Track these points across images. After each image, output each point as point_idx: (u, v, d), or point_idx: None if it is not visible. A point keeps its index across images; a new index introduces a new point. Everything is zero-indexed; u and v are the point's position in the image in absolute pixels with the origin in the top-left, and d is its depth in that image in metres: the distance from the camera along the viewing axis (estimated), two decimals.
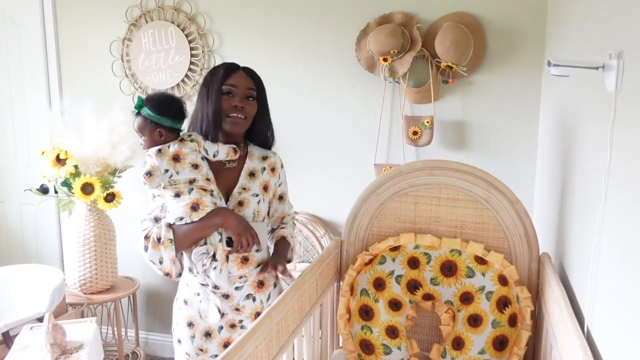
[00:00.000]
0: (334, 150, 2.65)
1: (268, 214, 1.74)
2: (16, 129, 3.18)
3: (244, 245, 1.55)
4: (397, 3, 2.46)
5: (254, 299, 1.64)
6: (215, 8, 2.72)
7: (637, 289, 0.95)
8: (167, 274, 1.58)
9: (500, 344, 1.66)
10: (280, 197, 1.77)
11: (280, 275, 1.63)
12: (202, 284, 1.60)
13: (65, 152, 2.47)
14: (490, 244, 1.76)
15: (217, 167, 1.62)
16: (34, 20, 2.99)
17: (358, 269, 1.83)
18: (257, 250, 1.63)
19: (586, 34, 1.49)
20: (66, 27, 2.98)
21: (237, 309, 1.63)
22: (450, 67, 2.33)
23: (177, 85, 2.82)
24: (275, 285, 1.72)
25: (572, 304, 1.35)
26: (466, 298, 1.72)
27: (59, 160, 2.48)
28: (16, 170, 3.22)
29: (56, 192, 2.63)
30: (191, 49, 2.77)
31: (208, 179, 1.57)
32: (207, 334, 1.64)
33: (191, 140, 1.56)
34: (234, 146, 1.62)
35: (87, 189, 2.47)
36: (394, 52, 2.36)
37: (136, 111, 1.56)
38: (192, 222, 1.52)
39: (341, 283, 1.89)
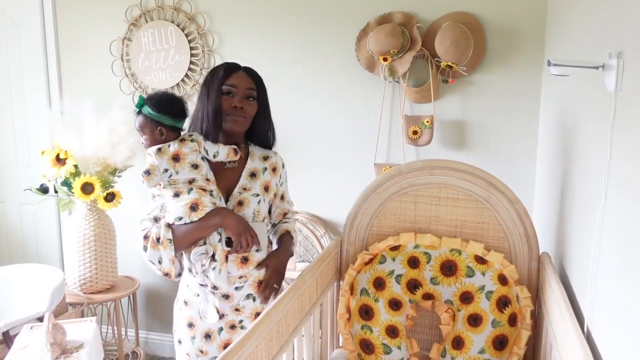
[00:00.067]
0: (334, 149, 2.65)
1: (269, 213, 1.74)
2: (16, 129, 3.18)
3: (244, 246, 1.54)
4: (397, 3, 2.46)
5: (254, 299, 1.64)
6: (215, 8, 2.72)
7: (637, 288, 0.95)
8: (167, 274, 1.58)
9: (500, 343, 1.66)
10: (282, 197, 1.77)
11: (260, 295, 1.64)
12: (201, 284, 1.60)
13: (65, 151, 2.47)
14: (490, 243, 1.76)
15: (217, 167, 1.62)
16: (33, 20, 2.99)
17: (358, 269, 1.83)
18: (257, 251, 1.63)
19: (586, 33, 1.49)
20: (66, 27, 2.98)
21: (237, 309, 1.63)
22: (450, 67, 2.33)
23: (177, 84, 2.82)
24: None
25: (572, 303, 1.35)
26: (466, 297, 1.72)
27: (59, 160, 2.48)
28: (16, 169, 3.22)
29: (56, 191, 2.63)
30: (191, 48, 2.77)
31: (208, 179, 1.56)
32: (207, 336, 1.64)
33: (192, 140, 1.56)
34: (235, 147, 1.62)
35: (87, 188, 2.47)
36: (393, 51, 2.36)
37: (137, 110, 1.56)
38: (192, 222, 1.52)
39: (341, 282, 1.89)
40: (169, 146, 1.54)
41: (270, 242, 1.75)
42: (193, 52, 2.77)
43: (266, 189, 1.68)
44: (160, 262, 1.55)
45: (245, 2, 2.67)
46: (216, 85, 1.58)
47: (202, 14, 2.74)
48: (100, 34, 2.91)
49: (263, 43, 2.67)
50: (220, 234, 1.54)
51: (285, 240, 1.73)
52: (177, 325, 1.69)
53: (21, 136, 3.17)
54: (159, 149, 1.54)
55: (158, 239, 1.53)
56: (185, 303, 1.66)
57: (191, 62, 2.78)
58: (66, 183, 2.54)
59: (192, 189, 1.53)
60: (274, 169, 1.71)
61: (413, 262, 1.79)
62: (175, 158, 1.53)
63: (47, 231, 3.22)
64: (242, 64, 1.66)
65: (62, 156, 2.47)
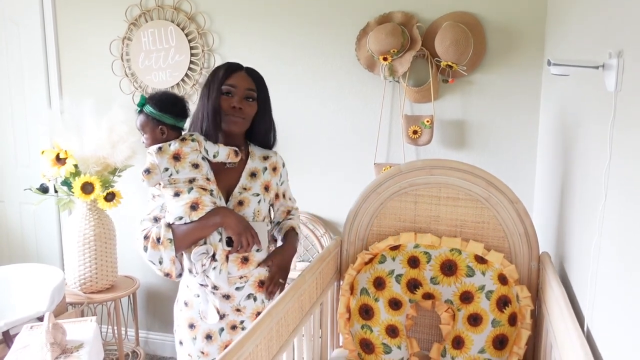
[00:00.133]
0: (334, 149, 2.65)
1: (269, 213, 1.74)
2: (16, 129, 3.18)
3: (244, 245, 1.54)
4: (397, 2, 2.46)
5: (255, 299, 1.64)
6: (215, 7, 2.72)
7: (637, 288, 0.95)
8: (167, 275, 1.57)
9: (500, 343, 1.66)
10: (284, 195, 1.77)
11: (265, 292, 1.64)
12: (201, 284, 1.60)
13: (65, 151, 2.47)
14: (490, 243, 1.76)
15: (217, 167, 1.62)
16: (33, 20, 2.99)
17: (358, 268, 1.83)
18: (258, 250, 1.63)
19: (586, 33, 1.49)
20: (66, 27, 2.98)
21: (238, 310, 1.63)
22: (450, 67, 2.33)
23: (177, 84, 2.82)
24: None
25: (572, 303, 1.35)
26: (466, 297, 1.72)
27: (59, 160, 2.48)
28: (16, 169, 3.22)
29: (56, 191, 2.63)
30: (191, 48, 2.77)
31: (208, 179, 1.56)
32: (208, 336, 1.63)
33: (192, 140, 1.56)
34: (235, 149, 1.61)
35: (87, 188, 2.47)
36: (393, 51, 2.36)
37: (139, 109, 1.56)
38: (192, 222, 1.51)
39: (341, 282, 1.89)
40: (169, 145, 1.54)
41: (275, 240, 1.75)
42: (193, 51, 2.77)
43: (266, 188, 1.68)
44: (160, 263, 1.54)
45: (245, 1, 2.67)
46: (216, 85, 1.58)
47: (202, 14, 2.74)
48: (100, 33, 2.91)
49: (263, 43, 2.67)
50: (221, 234, 1.54)
51: (290, 237, 1.72)
52: (178, 327, 1.69)
53: (21, 136, 3.17)
54: (160, 148, 1.54)
55: (158, 239, 1.53)
56: (186, 304, 1.66)
57: (191, 62, 2.78)
58: (66, 183, 2.54)
59: (192, 188, 1.53)
60: (274, 169, 1.71)
61: (413, 262, 1.79)
62: (176, 157, 1.53)
63: (47, 231, 3.22)
64: (243, 64, 1.66)
65: (62, 156, 2.47)
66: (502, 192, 1.72)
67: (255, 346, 1.25)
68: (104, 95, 2.85)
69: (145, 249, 1.54)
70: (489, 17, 2.37)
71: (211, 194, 1.55)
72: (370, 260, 1.84)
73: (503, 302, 1.67)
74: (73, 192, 2.49)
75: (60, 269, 2.73)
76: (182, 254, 1.59)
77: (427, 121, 2.39)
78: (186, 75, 2.80)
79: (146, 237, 1.56)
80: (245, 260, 1.61)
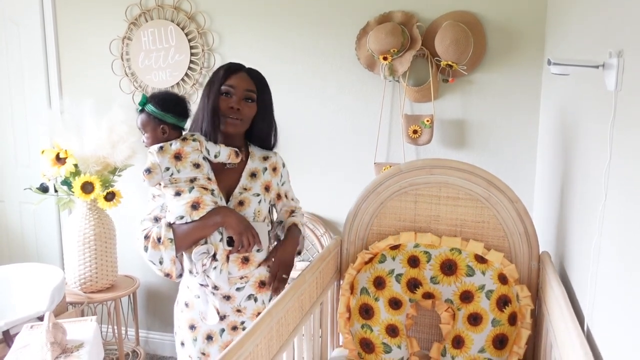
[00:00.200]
0: (334, 149, 2.65)
1: (271, 212, 1.73)
2: (16, 129, 3.18)
3: (245, 245, 1.54)
4: (397, 2, 2.45)
5: (255, 300, 1.64)
6: (215, 7, 2.72)
7: (637, 288, 0.95)
8: (167, 275, 1.56)
9: (500, 342, 1.66)
10: (286, 195, 1.76)
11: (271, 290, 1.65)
12: (202, 285, 1.60)
13: (65, 151, 2.47)
14: (490, 242, 1.76)
15: (217, 167, 1.62)
16: (33, 20, 2.99)
17: (358, 268, 1.83)
18: (258, 251, 1.63)
19: (586, 32, 1.49)
20: (66, 26, 2.97)
21: (238, 310, 1.63)
22: (450, 66, 2.33)
23: (177, 84, 2.82)
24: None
25: (572, 302, 1.35)
26: (466, 297, 1.72)
27: (59, 159, 2.48)
28: (16, 169, 3.22)
29: (56, 191, 2.63)
30: (191, 47, 2.77)
31: (209, 179, 1.56)
32: (209, 337, 1.63)
33: (194, 140, 1.56)
34: (236, 149, 1.61)
35: (87, 187, 2.47)
36: (393, 50, 2.36)
37: (140, 108, 1.56)
38: (193, 221, 1.51)
39: (341, 282, 1.89)
40: (170, 145, 1.54)
41: (278, 239, 1.74)
42: (193, 51, 2.77)
43: (267, 188, 1.68)
44: (161, 263, 1.54)
45: (246, 1, 2.67)
46: (216, 86, 1.58)
47: (202, 13, 2.74)
48: (100, 33, 2.91)
49: (263, 42, 2.67)
50: (222, 234, 1.54)
51: (292, 231, 1.71)
52: (179, 328, 1.69)
53: (21, 136, 3.17)
54: (161, 147, 1.53)
55: (159, 239, 1.52)
56: (186, 305, 1.66)
57: (191, 62, 2.78)
58: (66, 182, 2.54)
59: (193, 187, 1.53)
60: (274, 169, 1.71)
61: (413, 262, 1.79)
62: (177, 157, 1.53)
63: (47, 230, 3.22)
64: (244, 64, 1.65)
65: (62, 155, 2.47)
66: (502, 192, 1.72)
67: (256, 346, 1.25)
68: (104, 95, 2.85)
69: (146, 249, 1.54)
70: (489, 16, 2.37)
71: (212, 194, 1.54)
72: (371, 260, 1.84)
73: (503, 302, 1.67)
74: (73, 192, 2.49)
75: (60, 269, 2.72)
76: (182, 254, 1.58)
77: (427, 121, 2.39)
78: (186, 74, 2.80)
79: (146, 237, 1.55)
80: (245, 260, 1.60)
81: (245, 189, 1.63)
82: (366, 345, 1.77)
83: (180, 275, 1.62)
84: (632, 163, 1.01)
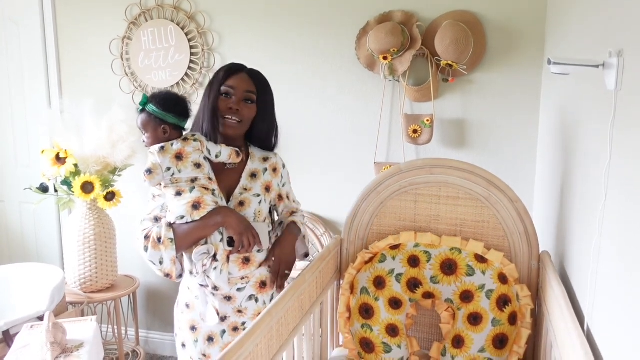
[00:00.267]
0: (334, 148, 2.65)
1: (270, 213, 1.73)
2: (16, 128, 3.18)
3: (245, 245, 1.54)
4: (397, 1, 2.45)
5: (256, 300, 1.64)
6: (215, 6, 2.72)
7: (637, 288, 0.95)
8: (167, 275, 1.56)
9: (500, 342, 1.66)
10: (287, 197, 1.76)
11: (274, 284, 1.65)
12: (202, 285, 1.59)
13: (65, 150, 2.47)
14: (490, 242, 1.76)
15: (218, 168, 1.62)
16: (33, 19, 2.98)
17: (358, 268, 1.83)
18: (259, 251, 1.62)
19: (586, 32, 1.48)
20: (66, 26, 2.97)
21: (239, 311, 1.62)
22: (450, 66, 2.33)
23: (177, 83, 2.82)
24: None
25: (572, 302, 1.35)
26: (466, 296, 1.72)
27: (59, 159, 2.48)
28: (16, 169, 3.22)
29: (56, 190, 2.63)
30: (191, 47, 2.77)
31: (210, 179, 1.56)
32: (210, 339, 1.63)
33: (194, 140, 1.56)
34: (237, 149, 1.61)
35: (87, 187, 2.47)
36: (393, 50, 2.36)
37: (141, 107, 1.55)
38: (193, 221, 1.51)
39: (341, 281, 1.89)
40: (171, 145, 1.54)
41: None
42: (193, 51, 2.77)
43: (267, 189, 1.67)
44: (161, 263, 1.53)
45: (246, 1, 2.67)
46: (216, 86, 1.58)
47: (202, 13, 2.74)
48: (100, 32, 2.91)
49: (263, 42, 2.67)
50: (222, 234, 1.54)
51: (289, 228, 1.71)
52: (180, 329, 1.69)
53: (21, 136, 3.17)
54: (162, 147, 1.53)
55: (159, 239, 1.52)
56: (187, 306, 1.65)
57: (191, 61, 2.78)
58: (66, 182, 2.54)
59: (194, 187, 1.52)
60: (274, 170, 1.71)
61: (413, 261, 1.79)
62: (178, 157, 1.53)
63: (47, 230, 3.22)
64: (244, 64, 1.65)
65: (62, 155, 2.47)
66: (502, 191, 1.72)
67: (256, 345, 1.25)
68: (104, 95, 2.85)
69: (146, 249, 1.54)
70: (489, 16, 2.36)
71: (213, 194, 1.54)
72: (371, 260, 1.84)
73: (503, 301, 1.67)
74: (73, 192, 2.49)
75: (61, 269, 2.73)
76: (182, 254, 1.58)
77: (427, 120, 2.39)
78: (186, 74, 2.80)
79: (147, 237, 1.55)
80: (246, 260, 1.60)
81: (245, 189, 1.63)
82: (366, 345, 1.77)
83: (180, 276, 1.61)
84: (632, 163, 1.01)
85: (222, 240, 1.54)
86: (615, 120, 1.13)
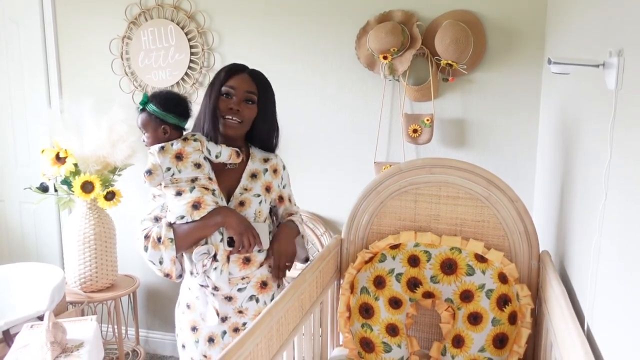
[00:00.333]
0: (334, 148, 2.65)
1: (270, 214, 1.73)
2: (16, 128, 3.18)
3: (246, 246, 1.53)
4: (397, 1, 2.45)
5: (257, 300, 1.64)
6: (214, 6, 2.72)
7: (637, 288, 0.95)
8: (167, 275, 1.56)
9: (500, 341, 1.66)
10: (289, 200, 1.76)
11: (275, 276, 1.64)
12: (202, 285, 1.59)
13: (65, 150, 2.47)
14: (490, 241, 1.76)
15: (218, 168, 1.62)
16: (33, 19, 2.98)
17: (358, 267, 1.83)
18: (259, 251, 1.62)
19: (586, 31, 1.48)
20: (65, 26, 2.97)
21: (240, 312, 1.62)
22: (450, 65, 2.33)
23: (177, 83, 2.82)
24: (278, 286, 1.71)
25: (572, 302, 1.35)
26: (466, 296, 1.72)
27: (59, 159, 2.48)
28: (16, 169, 3.22)
29: (56, 190, 2.63)
30: (191, 47, 2.77)
31: (210, 179, 1.56)
32: (211, 340, 1.63)
33: (194, 140, 1.56)
34: (237, 150, 1.61)
35: (87, 187, 2.47)
36: (393, 50, 2.36)
37: (141, 107, 1.55)
38: (193, 221, 1.51)
39: (341, 281, 1.89)
40: (172, 145, 1.54)
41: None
42: (193, 50, 2.77)
43: (268, 189, 1.67)
44: (161, 263, 1.53)
45: (245, 0, 2.67)
46: (216, 86, 1.58)
47: (201, 13, 2.74)
48: (99, 32, 2.91)
49: (263, 41, 2.67)
50: (222, 234, 1.54)
51: (286, 222, 1.70)
52: (180, 330, 1.69)
53: (21, 135, 3.17)
54: (162, 148, 1.53)
55: (159, 239, 1.52)
56: (188, 307, 1.65)
57: (191, 61, 2.78)
58: (66, 182, 2.54)
59: (194, 187, 1.52)
60: (274, 171, 1.71)
61: (413, 261, 1.79)
62: (178, 157, 1.53)
63: (47, 230, 3.22)
64: (244, 63, 1.65)
65: (62, 155, 2.47)
66: (502, 191, 1.72)
67: (256, 345, 1.25)
68: (104, 94, 2.85)
69: (146, 248, 1.54)
70: (489, 15, 2.36)
71: (213, 194, 1.54)
72: (371, 259, 1.84)
73: (503, 301, 1.67)
74: (73, 191, 2.49)
75: (61, 268, 2.73)
76: (182, 255, 1.58)
77: (427, 120, 2.39)
78: (186, 74, 2.79)
79: (147, 237, 1.55)
80: (247, 260, 1.60)
81: (245, 190, 1.63)
82: (366, 345, 1.77)
83: (180, 276, 1.61)
84: (632, 162, 1.01)
85: (222, 240, 1.54)
86: (615, 120, 1.13)
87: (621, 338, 1.03)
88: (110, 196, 2.53)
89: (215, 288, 1.57)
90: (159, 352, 3.16)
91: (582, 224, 1.42)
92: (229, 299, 1.61)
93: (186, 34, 2.75)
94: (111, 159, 2.52)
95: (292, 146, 2.65)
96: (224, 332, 1.62)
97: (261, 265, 1.63)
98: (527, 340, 1.64)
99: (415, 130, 2.42)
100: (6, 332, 2.06)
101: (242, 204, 1.61)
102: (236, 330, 1.62)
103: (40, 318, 2.09)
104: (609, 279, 1.13)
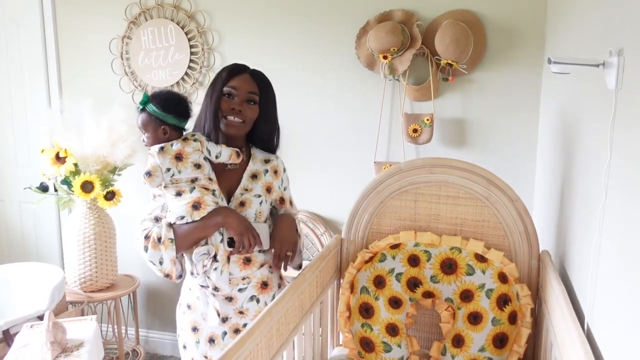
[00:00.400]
0: (334, 148, 2.65)
1: (271, 215, 1.73)
2: (16, 128, 3.18)
3: (246, 246, 1.53)
4: (397, 1, 2.45)
5: (257, 301, 1.64)
6: (214, 6, 2.72)
7: (637, 288, 0.95)
8: (167, 275, 1.56)
9: (500, 341, 1.66)
10: (290, 203, 1.76)
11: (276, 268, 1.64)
12: (202, 286, 1.59)
13: (65, 150, 2.47)
14: (490, 241, 1.76)
15: (219, 168, 1.61)
16: (33, 19, 2.98)
17: (358, 267, 1.83)
18: (260, 251, 1.62)
19: (586, 31, 1.48)
20: (65, 26, 2.97)
21: (240, 312, 1.62)
22: (450, 65, 2.33)
23: (177, 83, 2.82)
24: (279, 286, 1.71)
25: (572, 301, 1.35)
26: (466, 296, 1.72)
27: (59, 159, 2.48)
28: (16, 168, 3.22)
29: (56, 190, 2.63)
30: (191, 46, 2.76)
31: (210, 179, 1.56)
32: (211, 340, 1.63)
33: (194, 140, 1.56)
34: (237, 150, 1.61)
35: (87, 187, 2.47)
36: (393, 49, 2.36)
37: (141, 107, 1.55)
38: (193, 222, 1.51)
39: (341, 281, 1.89)
40: (171, 145, 1.54)
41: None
42: (193, 50, 2.77)
43: (268, 190, 1.67)
44: (161, 263, 1.53)
45: (246, 0, 2.67)
46: (218, 87, 1.58)
47: (201, 12, 2.74)
48: (99, 32, 2.91)
49: (263, 41, 2.67)
50: (222, 234, 1.53)
51: (284, 214, 1.70)
52: (182, 330, 1.69)
53: (21, 135, 3.17)
54: (162, 148, 1.53)
55: (159, 239, 1.52)
56: (189, 307, 1.65)
57: (191, 61, 2.78)
58: (66, 181, 2.54)
59: (194, 187, 1.52)
60: (275, 172, 1.70)
61: (413, 261, 1.79)
62: (178, 157, 1.53)
63: (47, 230, 3.22)
64: (245, 63, 1.65)
65: (61, 155, 2.47)
66: (502, 191, 1.72)
67: (256, 345, 1.25)
68: (104, 94, 2.85)
69: (146, 249, 1.54)
70: (489, 15, 2.36)
71: (213, 194, 1.54)
72: (371, 259, 1.84)
73: (503, 301, 1.67)
74: (73, 191, 2.49)
75: (60, 268, 2.73)
76: (182, 255, 1.58)
77: (427, 119, 2.39)
78: (186, 73, 2.79)
79: (147, 237, 1.55)
80: (247, 261, 1.60)
81: (246, 190, 1.63)
82: (366, 344, 1.77)
83: (180, 276, 1.61)
84: (632, 162, 1.01)
85: (222, 240, 1.54)
86: (615, 120, 1.13)
87: (621, 338, 1.03)
88: (110, 196, 2.53)
89: (216, 288, 1.57)
90: (159, 352, 3.16)
91: (582, 224, 1.42)
92: (230, 299, 1.60)
93: (186, 33, 2.75)
94: (111, 159, 2.52)
95: (292, 146, 2.65)
96: (225, 333, 1.62)
97: (262, 265, 1.63)
98: (527, 340, 1.64)
99: (415, 130, 2.42)
100: (6, 332, 2.06)
101: (242, 204, 1.60)
102: (237, 331, 1.62)
103: (40, 318, 2.09)
104: (609, 279, 1.13)
